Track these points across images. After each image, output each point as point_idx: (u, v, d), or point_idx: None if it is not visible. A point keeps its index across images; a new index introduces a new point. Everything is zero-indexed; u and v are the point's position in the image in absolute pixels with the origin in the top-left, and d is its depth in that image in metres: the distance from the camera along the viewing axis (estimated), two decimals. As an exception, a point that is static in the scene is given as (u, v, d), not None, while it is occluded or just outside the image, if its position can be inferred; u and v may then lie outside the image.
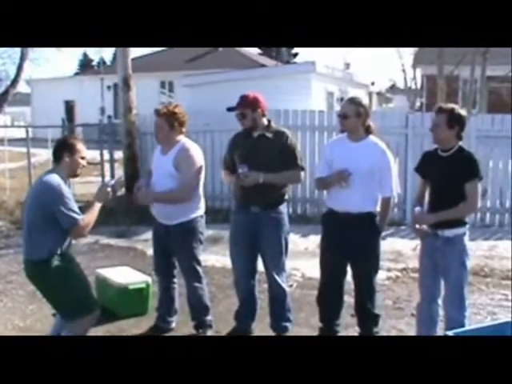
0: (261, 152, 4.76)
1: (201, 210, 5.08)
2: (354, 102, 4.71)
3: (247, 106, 4.78)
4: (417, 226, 4.47)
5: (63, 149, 4.24)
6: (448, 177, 4.26)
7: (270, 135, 4.82)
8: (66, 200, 4.07)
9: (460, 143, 4.32)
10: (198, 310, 5.16)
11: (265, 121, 4.86)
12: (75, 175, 4.38)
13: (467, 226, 4.36)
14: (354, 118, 4.61)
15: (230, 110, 4.86)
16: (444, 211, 4.23)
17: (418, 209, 4.41)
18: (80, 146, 4.27)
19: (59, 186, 4.09)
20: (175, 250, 5.08)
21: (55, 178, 4.12)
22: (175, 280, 5.31)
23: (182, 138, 4.95)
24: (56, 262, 4.14)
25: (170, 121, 4.82)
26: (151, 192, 4.88)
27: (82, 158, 4.31)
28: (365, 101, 4.84)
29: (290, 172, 4.84)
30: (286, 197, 4.98)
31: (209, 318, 5.22)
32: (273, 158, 4.75)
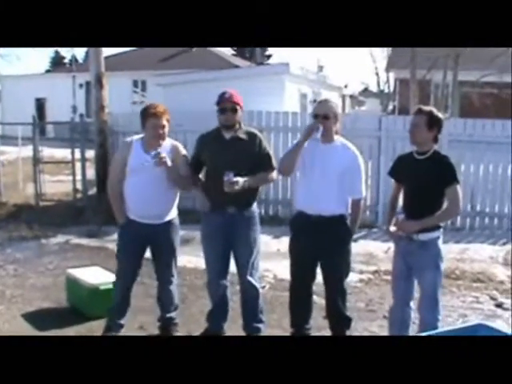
0: (235, 154, 4.70)
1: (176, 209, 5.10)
2: (331, 102, 4.66)
3: (239, 101, 4.75)
4: (392, 229, 4.45)
5: None
6: (425, 180, 4.23)
7: (243, 136, 4.78)
8: None
9: (435, 147, 4.32)
10: (169, 308, 5.09)
11: None
12: None
13: (441, 229, 4.35)
14: (333, 118, 4.55)
15: (219, 102, 4.73)
16: (428, 218, 4.19)
17: (401, 216, 4.36)
18: None
19: None
20: (161, 247, 4.98)
21: None
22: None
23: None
24: None
25: (167, 119, 4.83)
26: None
27: None
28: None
29: (266, 173, 4.84)
30: (257, 196, 4.97)
31: (175, 316, 5.14)
32: (247, 161, 4.72)
